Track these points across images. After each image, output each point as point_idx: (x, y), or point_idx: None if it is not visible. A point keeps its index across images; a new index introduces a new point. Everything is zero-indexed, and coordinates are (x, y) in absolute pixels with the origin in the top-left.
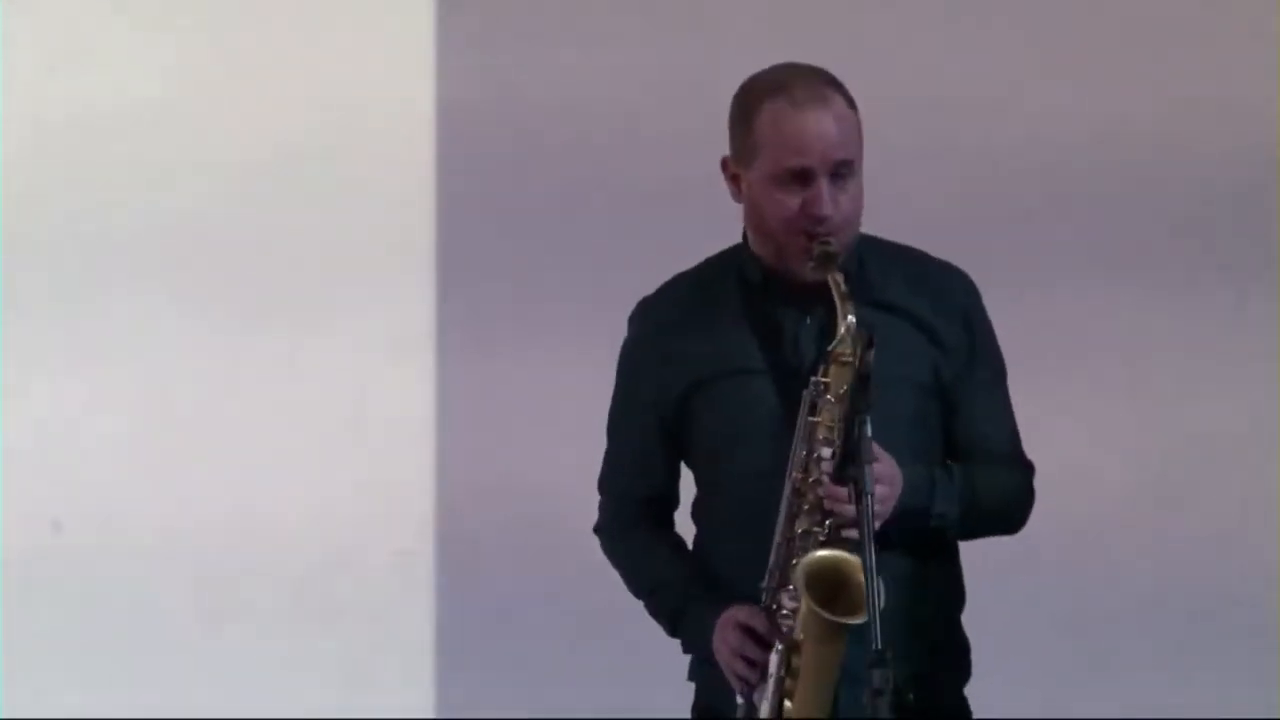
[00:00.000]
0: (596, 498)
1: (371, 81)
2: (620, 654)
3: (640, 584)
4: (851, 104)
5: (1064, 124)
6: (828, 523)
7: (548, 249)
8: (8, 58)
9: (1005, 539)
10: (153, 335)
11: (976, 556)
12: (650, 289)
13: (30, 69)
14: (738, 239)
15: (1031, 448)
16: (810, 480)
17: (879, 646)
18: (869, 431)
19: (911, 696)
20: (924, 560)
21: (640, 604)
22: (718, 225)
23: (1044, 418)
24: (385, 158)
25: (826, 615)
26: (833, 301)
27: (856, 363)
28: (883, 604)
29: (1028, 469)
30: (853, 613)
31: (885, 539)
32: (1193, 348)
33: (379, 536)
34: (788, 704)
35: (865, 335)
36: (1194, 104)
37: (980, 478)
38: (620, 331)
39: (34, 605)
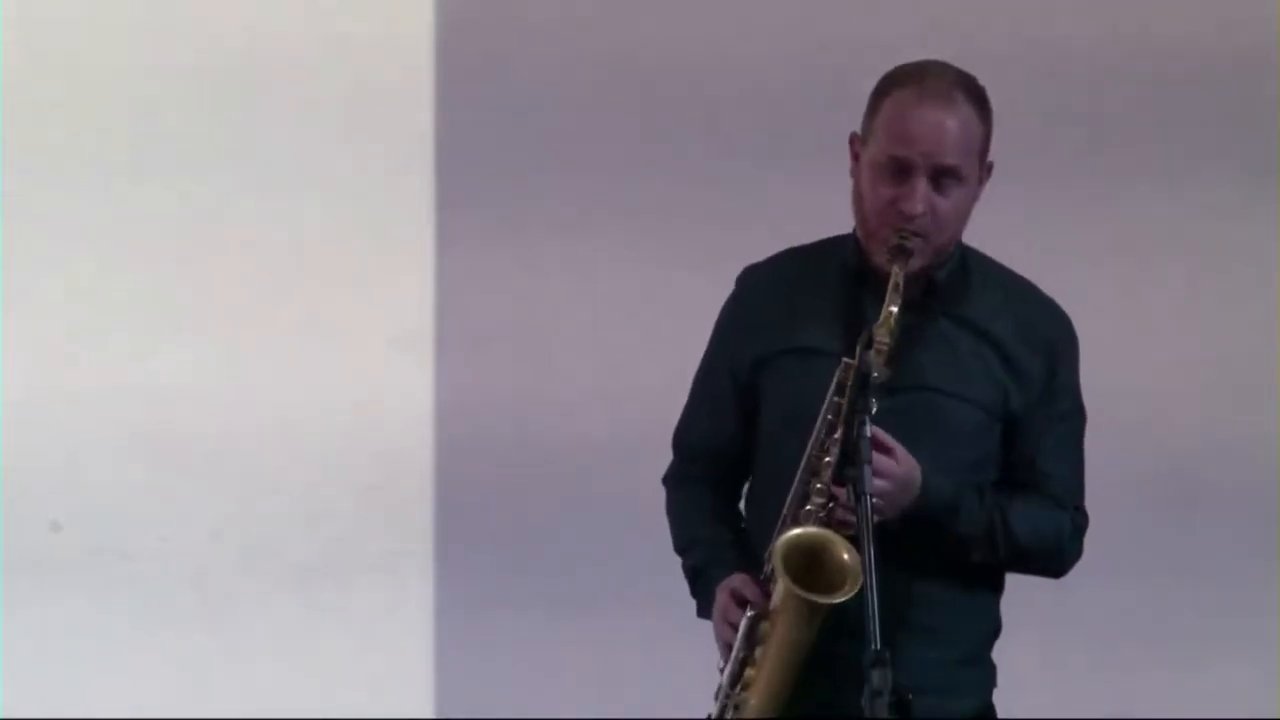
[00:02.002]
0: (596, 498)
1: (370, 82)
2: (620, 654)
3: (677, 540)
4: (984, 116)
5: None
6: (829, 505)
7: (547, 248)
8: None
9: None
10: (152, 335)
11: None
12: (653, 288)
13: None
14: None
15: None
16: (825, 460)
17: (878, 647)
18: (868, 432)
19: (910, 697)
20: (936, 578)
21: (639, 604)
22: (726, 212)
23: None
24: (385, 151)
25: (800, 592)
26: (915, 299)
27: (857, 361)
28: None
29: (1078, 515)
30: (829, 593)
31: (903, 552)
32: (1197, 336)
33: (378, 536)
34: (750, 672)
35: (866, 335)
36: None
37: (1016, 506)
38: (620, 331)
39: (34, 605)
